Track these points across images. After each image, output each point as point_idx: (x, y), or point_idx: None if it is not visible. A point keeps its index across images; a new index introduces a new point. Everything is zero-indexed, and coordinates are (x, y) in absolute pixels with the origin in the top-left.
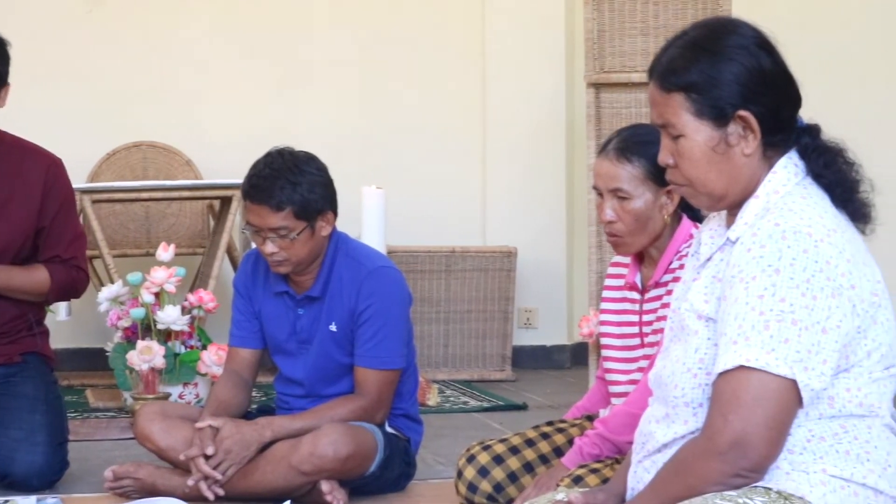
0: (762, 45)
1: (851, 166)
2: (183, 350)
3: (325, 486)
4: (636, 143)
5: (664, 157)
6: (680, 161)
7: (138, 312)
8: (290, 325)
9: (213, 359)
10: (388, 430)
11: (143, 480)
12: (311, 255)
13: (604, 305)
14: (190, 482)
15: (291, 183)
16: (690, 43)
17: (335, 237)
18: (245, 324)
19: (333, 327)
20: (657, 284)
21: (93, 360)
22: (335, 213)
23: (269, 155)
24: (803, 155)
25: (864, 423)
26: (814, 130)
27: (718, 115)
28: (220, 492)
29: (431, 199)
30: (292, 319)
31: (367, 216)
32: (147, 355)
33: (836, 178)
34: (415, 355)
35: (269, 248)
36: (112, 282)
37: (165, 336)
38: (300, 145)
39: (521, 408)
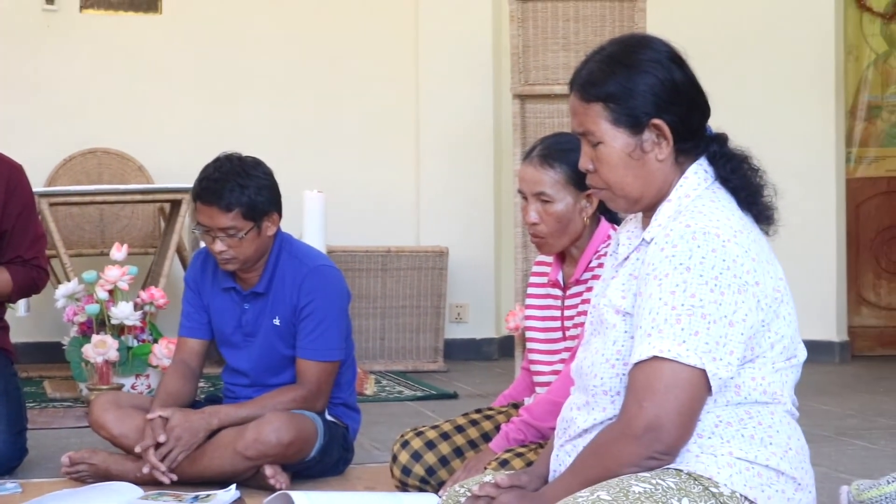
0: (674, 59)
1: (756, 172)
2: (135, 344)
3: (268, 470)
4: (558, 151)
5: (584, 163)
6: (599, 166)
7: (93, 308)
8: (236, 319)
9: (163, 352)
10: (328, 417)
11: (98, 466)
12: (257, 254)
13: (528, 301)
14: (144, 470)
15: (240, 186)
16: (608, 57)
17: (279, 237)
18: (194, 315)
19: (277, 321)
20: (578, 282)
21: (50, 353)
22: (280, 215)
23: (218, 160)
24: (712, 161)
25: (767, 410)
26: (721, 138)
27: (634, 124)
28: (174, 476)
29: (368, 202)
30: (238, 314)
31: (309, 218)
32: (101, 349)
33: (742, 183)
34: (353, 348)
35: (219, 246)
36: (69, 280)
37: (119, 331)
38: (246, 151)
39: (452, 396)
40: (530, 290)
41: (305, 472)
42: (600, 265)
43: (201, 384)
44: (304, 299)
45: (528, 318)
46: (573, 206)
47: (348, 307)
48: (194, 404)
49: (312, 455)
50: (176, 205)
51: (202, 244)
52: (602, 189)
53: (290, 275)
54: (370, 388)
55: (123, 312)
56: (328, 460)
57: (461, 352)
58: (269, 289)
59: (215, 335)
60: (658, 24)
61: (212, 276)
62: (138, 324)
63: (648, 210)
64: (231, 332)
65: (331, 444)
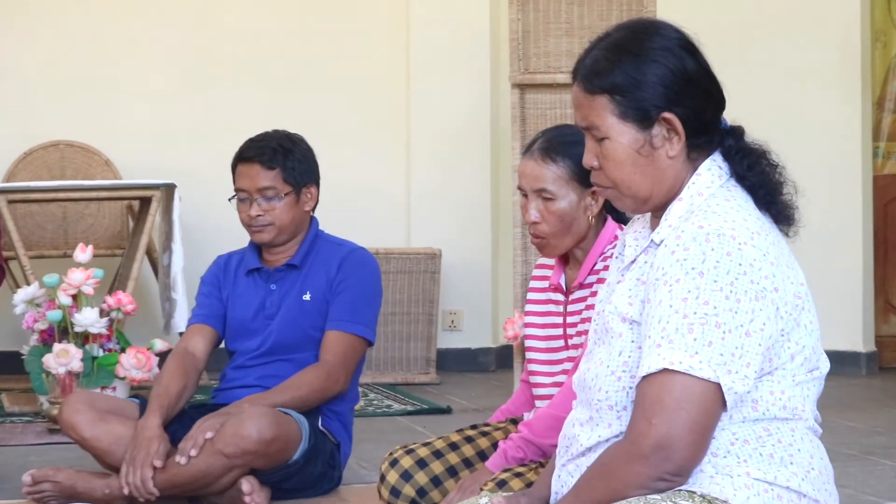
0: (686, 47)
1: (775, 168)
2: (101, 353)
3: (245, 485)
4: (561, 144)
5: (589, 160)
6: (604, 163)
7: (55, 315)
8: (260, 302)
9: (131, 362)
10: (321, 427)
11: (63, 484)
12: (291, 225)
13: (528, 307)
14: (125, 491)
15: (284, 149)
16: (614, 45)
17: (315, 226)
18: (209, 304)
19: (307, 296)
20: (581, 286)
21: (8, 363)
22: (318, 193)
23: (263, 132)
24: (727, 157)
25: (787, 427)
26: (737, 132)
27: (643, 117)
28: (156, 492)
29: (355, 199)
30: (262, 296)
31: None
32: (64, 358)
33: (760, 180)
34: (361, 370)
35: (255, 210)
36: (28, 283)
37: (83, 339)
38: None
39: (446, 411)
40: (530, 296)
41: (286, 483)
42: (606, 268)
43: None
44: (342, 274)
45: (527, 325)
46: (577, 204)
47: (381, 301)
48: (180, 414)
49: (295, 458)
50: (145, 202)
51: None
52: (608, 188)
53: (327, 253)
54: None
55: (88, 319)
56: (311, 471)
57: (455, 362)
58: (304, 263)
59: (230, 329)
60: (669, 7)
61: (235, 269)
62: (104, 332)
63: (658, 210)
64: (252, 316)
65: (316, 451)
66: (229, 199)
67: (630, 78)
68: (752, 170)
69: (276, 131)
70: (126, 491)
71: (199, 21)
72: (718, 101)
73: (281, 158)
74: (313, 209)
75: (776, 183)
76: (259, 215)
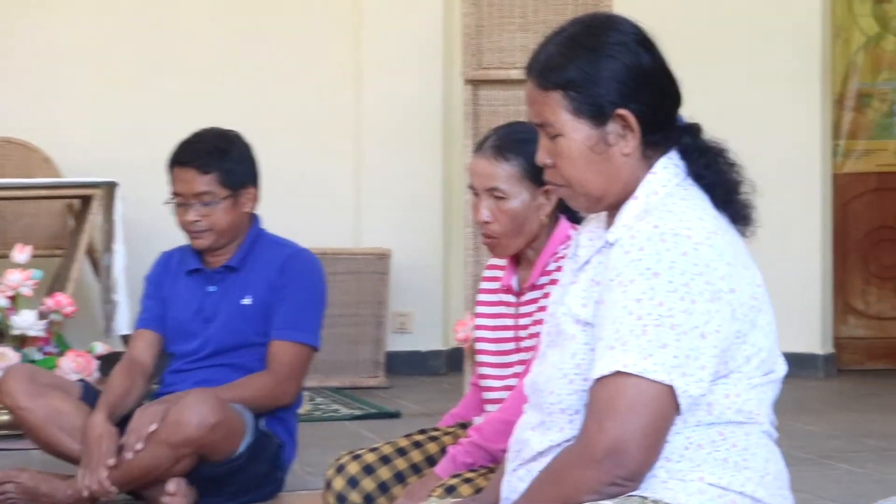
0: (642, 42)
1: (732, 167)
2: (39, 356)
3: (170, 485)
4: (514, 142)
5: (542, 157)
6: (558, 161)
7: None
8: (198, 303)
9: (70, 366)
10: (262, 428)
11: (25, 485)
12: (231, 228)
13: (478, 309)
14: (85, 493)
15: (220, 150)
16: (569, 39)
17: (256, 226)
18: (152, 307)
19: (248, 300)
20: (533, 287)
21: None
22: (258, 193)
23: (198, 131)
24: (684, 155)
25: (742, 430)
26: (694, 130)
27: (597, 114)
28: (114, 489)
29: (302, 198)
30: (201, 297)
31: None
32: (2, 362)
33: (717, 179)
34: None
35: (192, 215)
36: None
37: (21, 342)
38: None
39: (395, 416)
40: (480, 297)
41: (231, 481)
42: (559, 269)
43: None
44: (284, 278)
45: (478, 327)
46: (529, 204)
47: (325, 304)
48: (130, 416)
49: (240, 451)
50: (86, 201)
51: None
52: (561, 186)
53: (268, 255)
54: (302, 407)
55: (26, 321)
56: (256, 469)
57: (405, 366)
58: (243, 265)
59: (168, 330)
60: (625, 2)
61: (176, 266)
62: (42, 334)
63: (612, 209)
64: (190, 318)
65: (261, 449)
66: (165, 203)
67: (584, 73)
68: (709, 168)
69: (210, 130)
70: (86, 493)
71: (140, 16)
72: (675, 98)
73: (217, 161)
74: (254, 208)
75: (733, 182)
76: (196, 220)
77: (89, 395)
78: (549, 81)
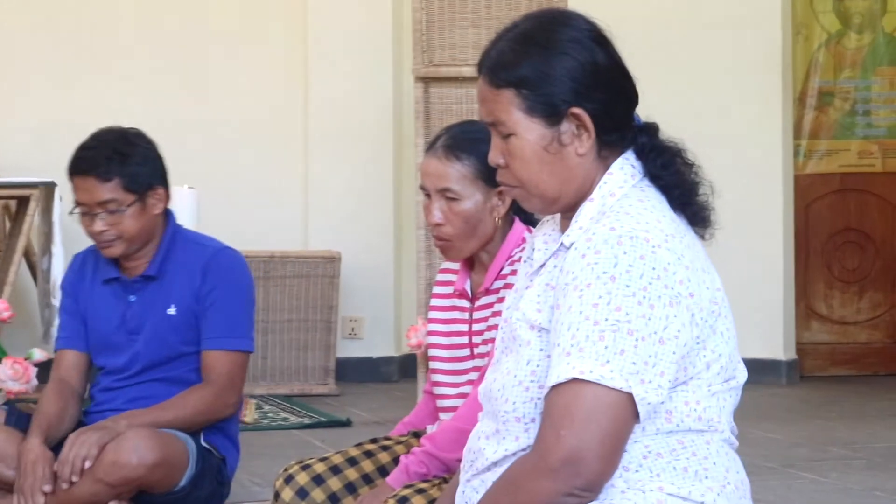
0: (597, 39)
1: (690, 167)
2: None
3: None
4: (466, 141)
5: (494, 157)
6: (511, 161)
7: None
8: (120, 315)
9: (7, 373)
10: (203, 444)
11: None
12: (142, 234)
13: (432, 314)
14: None
15: (120, 154)
16: (521, 36)
17: (172, 224)
18: (71, 324)
19: (172, 310)
20: (488, 291)
21: None
22: (167, 192)
23: (95, 132)
24: (640, 155)
25: (702, 439)
26: (651, 129)
27: (550, 113)
28: None
29: (248, 199)
30: (122, 308)
31: (178, 218)
32: None
33: (674, 180)
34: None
35: (99, 226)
36: None
37: None
38: None
39: (345, 424)
40: (434, 302)
41: None
42: (513, 273)
43: None
44: (209, 284)
45: (431, 333)
46: (483, 205)
47: (254, 303)
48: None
49: (182, 484)
50: (23, 202)
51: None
52: (514, 187)
53: (189, 258)
54: (250, 415)
55: None
56: (199, 494)
57: (356, 372)
58: (163, 273)
59: (92, 342)
60: None
61: (91, 273)
62: None
63: (567, 211)
64: (113, 331)
65: (203, 474)
66: (70, 213)
67: (537, 71)
68: (666, 169)
69: (108, 132)
70: None
71: (82, 13)
72: (631, 97)
73: (118, 167)
74: (165, 208)
75: (691, 183)
76: (104, 230)
77: (15, 419)
78: (501, 79)
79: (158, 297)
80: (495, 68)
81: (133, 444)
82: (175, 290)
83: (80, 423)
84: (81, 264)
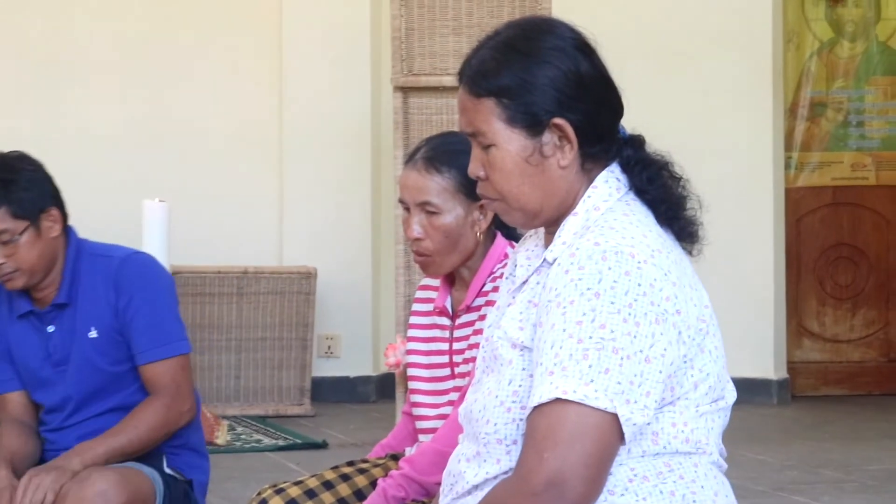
0: (581, 48)
1: (677, 181)
2: None
3: None
4: (447, 153)
5: (474, 169)
6: (491, 173)
7: None
8: (43, 349)
9: None
10: (167, 471)
11: None
12: (43, 261)
13: (411, 332)
14: None
15: (3, 181)
16: (503, 44)
17: (74, 241)
18: (1, 365)
19: (94, 333)
20: (469, 309)
21: None
22: (62, 212)
23: None
24: (625, 168)
25: (690, 461)
26: (637, 142)
27: (532, 123)
28: None
29: (221, 213)
30: (43, 341)
31: (148, 232)
32: None
33: (661, 194)
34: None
35: None
36: None
37: None
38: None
39: (321, 446)
40: (413, 320)
41: None
42: (495, 289)
43: None
44: (124, 296)
45: (410, 352)
46: (464, 219)
47: (177, 297)
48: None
49: None
50: None
51: None
52: (495, 200)
53: (97, 275)
54: (222, 437)
55: None
56: None
57: (332, 392)
58: (74, 297)
59: (23, 379)
60: (565, 5)
61: (7, 308)
62: None
63: (550, 225)
64: (39, 366)
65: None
66: None
67: (519, 80)
68: (652, 183)
69: None
70: None
71: (50, 18)
72: (615, 108)
73: (2, 195)
74: (64, 228)
75: (679, 197)
76: (1, 263)
77: None
78: (482, 88)
79: (76, 323)
80: (476, 77)
81: (97, 489)
82: (91, 312)
83: (42, 460)
84: None
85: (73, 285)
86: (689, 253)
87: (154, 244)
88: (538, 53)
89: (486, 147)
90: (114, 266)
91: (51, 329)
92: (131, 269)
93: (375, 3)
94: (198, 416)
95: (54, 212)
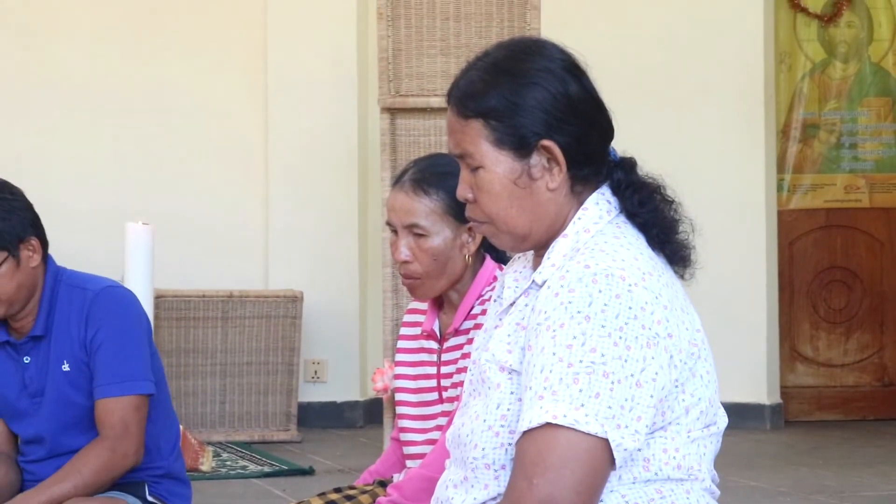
0: (570, 69)
1: (670, 204)
2: None
3: None
4: (434, 175)
5: (463, 192)
6: (479, 195)
7: None
8: (19, 380)
9: None
10: (150, 499)
11: None
12: (21, 291)
13: (399, 356)
14: None
15: None
16: (492, 65)
17: (54, 270)
18: None
19: (66, 366)
20: (457, 332)
21: None
22: (42, 241)
23: None
24: (616, 191)
25: (682, 488)
26: (627, 165)
27: (520, 145)
28: None
29: (206, 236)
30: (20, 372)
31: (132, 256)
32: None
33: (653, 218)
34: (169, 399)
35: None
36: None
37: None
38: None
39: (308, 472)
40: (401, 344)
41: None
42: (484, 312)
43: None
44: (92, 329)
45: (398, 377)
46: (452, 241)
47: (150, 336)
48: None
49: None
50: None
51: None
52: (483, 223)
53: (72, 308)
54: (207, 464)
55: None
56: None
57: (319, 418)
58: (49, 329)
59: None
60: (553, 26)
61: None
62: None
63: (539, 248)
64: (16, 397)
65: None
66: None
67: (506, 101)
68: (643, 206)
69: None
70: None
71: (25, 25)
72: (605, 130)
73: None
74: (44, 256)
75: (671, 220)
76: None
77: None
78: (469, 109)
79: (51, 355)
80: (463, 98)
81: None
82: (64, 345)
83: (22, 489)
84: None
85: (49, 316)
86: (682, 277)
87: (137, 268)
88: (526, 75)
89: (475, 169)
90: (88, 299)
91: (27, 360)
92: (103, 302)
93: (362, 23)
94: (176, 441)
95: (34, 241)
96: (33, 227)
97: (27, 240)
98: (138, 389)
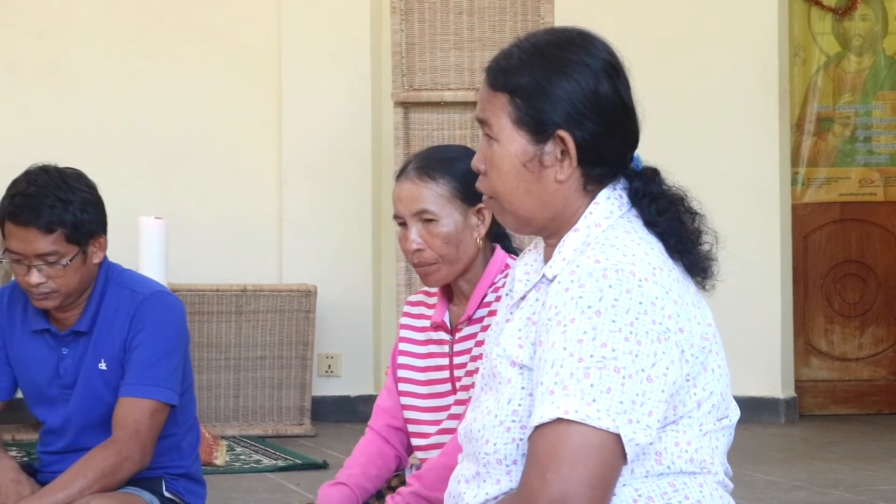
0: (609, 70)
1: (693, 216)
2: None
3: None
4: (439, 161)
5: (477, 161)
6: (490, 169)
7: None
8: (53, 368)
9: None
10: (167, 494)
11: None
12: (81, 286)
13: (404, 347)
14: None
15: (62, 201)
16: (533, 46)
17: (105, 267)
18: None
19: (103, 365)
20: (470, 321)
21: None
22: (106, 238)
23: (30, 172)
24: (635, 201)
25: (695, 481)
26: (646, 175)
27: (537, 130)
28: None
29: (219, 230)
30: (55, 361)
31: (145, 250)
32: None
33: (671, 227)
34: (194, 405)
35: (36, 278)
36: None
37: None
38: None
39: (321, 466)
40: (406, 334)
41: None
42: (498, 299)
43: (14, 453)
44: (133, 331)
45: (403, 367)
46: (462, 225)
47: (187, 348)
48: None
49: None
50: None
51: (12, 277)
52: (490, 197)
53: (121, 307)
54: (221, 458)
55: None
56: None
57: (333, 412)
58: (93, 327)
59: (26, 391)
60: (568, 19)
61: (21, 317)
62: None
63: (547, 237)
64: (47, 384)
65: None
66: None
67: (536, 83)
68: (662, 215)
69: (45, 172)
70: None
71: (39, 17)
72: (628, 137)
73: (60, 215)
74: (104, 256)
75: (692, 231)
76: (41, 282)
77: None
78: (500, 82)
79: (90, 352)
80: (497, 70)
81: None
82: (105, 344)
83: (38, 481)
84: (9, 301)
85: (95, 315)
86: (703, 288)
87: (151, 262)
88: (563, 63)
89: (490, 140)
90: (137, 301)
91: (65, 351)
92: (151, 306)
93: (376, 18)
94: (196, 444)
95: (102, 239)
96: (103, 224)
97: (97, 237)
98: (158, 395)
